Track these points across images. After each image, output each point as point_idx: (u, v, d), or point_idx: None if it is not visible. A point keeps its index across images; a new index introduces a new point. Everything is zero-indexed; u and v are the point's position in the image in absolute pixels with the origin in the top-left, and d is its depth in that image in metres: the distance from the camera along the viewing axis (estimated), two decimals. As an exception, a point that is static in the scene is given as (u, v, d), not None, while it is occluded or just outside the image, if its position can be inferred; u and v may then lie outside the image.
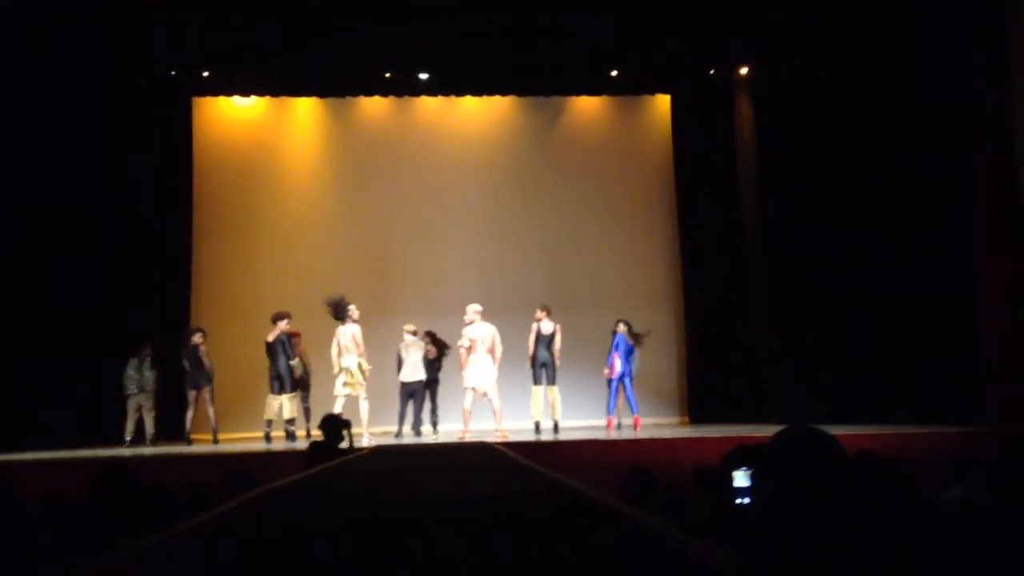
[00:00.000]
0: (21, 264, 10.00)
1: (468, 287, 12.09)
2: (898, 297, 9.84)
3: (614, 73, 12.17)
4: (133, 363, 9.99)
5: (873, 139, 10.21)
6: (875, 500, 2.25)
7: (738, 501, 2.18)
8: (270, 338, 9.92)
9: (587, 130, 12.75)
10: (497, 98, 12.61)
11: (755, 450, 2.18)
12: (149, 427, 9.94)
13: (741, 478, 2.18)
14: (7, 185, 9.85)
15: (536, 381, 9.83)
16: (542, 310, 9.90)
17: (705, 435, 8.81)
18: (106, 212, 10.96)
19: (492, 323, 9.92)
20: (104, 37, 10.57)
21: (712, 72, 12.23)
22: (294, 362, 9.95)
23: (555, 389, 9.79)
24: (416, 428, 10.32)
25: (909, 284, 9.63)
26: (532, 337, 9.84)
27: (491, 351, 9.58)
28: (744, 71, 11.94)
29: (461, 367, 9.71)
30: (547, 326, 9.82)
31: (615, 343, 10.44)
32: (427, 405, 10.56)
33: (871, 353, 10.15)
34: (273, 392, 9.81)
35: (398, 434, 10.18)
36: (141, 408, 9.92)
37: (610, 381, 10.39)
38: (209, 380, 10.08)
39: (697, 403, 11.75)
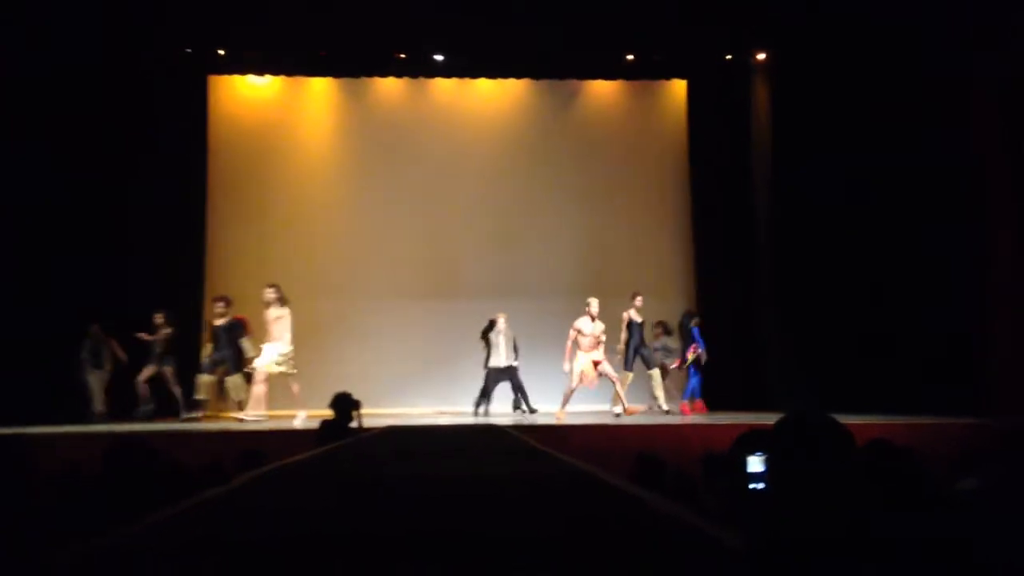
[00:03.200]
0: (33, 242, 10.06)
1: (479, 269, 12.14)
2: (909, 289, 9.80)
3: (630, 57, 12.10)
4: (86, 343, 10.05)
5: (890, 128, 10.12)
6: (888, 488, 2.25)
7: (752, 486, 2.18)
8: (219, 321, 9.92)
9: (602, 114, 12.70)
10: (512, 81, 12.59)
11: (767, 435, 2.18)
12: (99, 404, 10.02)
13: (755, 463, 2.18)
14: (19, 166, 9.90)
15: (627, 368, 10.27)
16: (633, 299, 10.30)
17: (715, 422, 8.81)
18: (120, 190, 11.01)
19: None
20: (120, 14, 10.56)
21: (729, 58, 12.15)
22: (247, 344, 9.88)
23: (654, 372, 10.34)
24: (518, 406, 10.65)
25: (920, 276, 9.59)
26: (624, 326, 10.28)
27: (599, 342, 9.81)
28: (761, 57, 11.85)
29: (568, 358, 9.78)
30: (638, 315, 10.23)
31: (695, 334, 10.67)
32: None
33: (881, 344, 10.10)
34: (207, 371, 9.81)
35: (486, 413, 10.49)
36: (99, 382, 10.03)
37: (690, 367, 10.64)
38: (172, 361, 10.10)
39: (707, 390, 11.72)
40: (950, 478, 3.02)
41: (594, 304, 9.77)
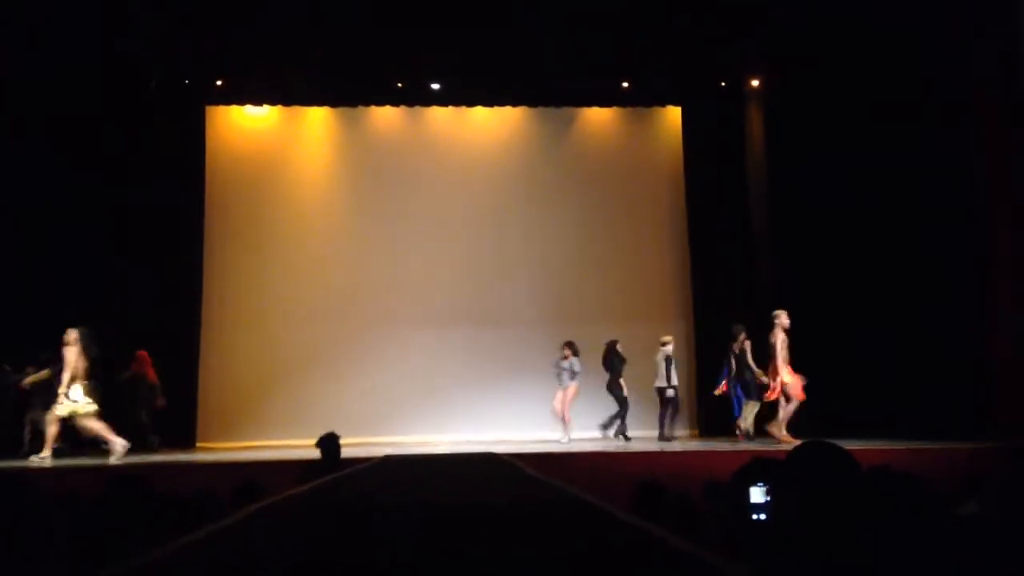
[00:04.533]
0: (29, 271, 10.06)
1: (477, 296, 12.12)
2: (910, 313, 9.78)
3: (625, 84, 12.20)
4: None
5: (885, 152, 10.18)
6: (891, 515, 2.24)
7: (754, 517, 2.16)
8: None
9: (598, 141, 12.77)
10: (508, 108, 12.65)
11: (771, 464, 2.17)
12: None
13: (757, 494, 2.16)
14: (19, 192, 9.93)
15: (755, 397, 10.13)
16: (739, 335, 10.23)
17: (716, 449, 8.76)
18: (117, 219, 11.03)
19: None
20: (118, 45, 10.64)
21: (723, 84, 12.24)
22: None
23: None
24: (667, 434, 10.46)
25: (921, 300, 9.58)
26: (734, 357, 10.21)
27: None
28: (755, 83, 11.94)
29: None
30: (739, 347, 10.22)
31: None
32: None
33: (882, 368, 10.07)
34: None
35: (669, 438, 10.34)
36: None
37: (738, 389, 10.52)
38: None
39: (707, 416, 11.69)
40: (953, 503, 3.01)
41: (783, 316, 9.60)
